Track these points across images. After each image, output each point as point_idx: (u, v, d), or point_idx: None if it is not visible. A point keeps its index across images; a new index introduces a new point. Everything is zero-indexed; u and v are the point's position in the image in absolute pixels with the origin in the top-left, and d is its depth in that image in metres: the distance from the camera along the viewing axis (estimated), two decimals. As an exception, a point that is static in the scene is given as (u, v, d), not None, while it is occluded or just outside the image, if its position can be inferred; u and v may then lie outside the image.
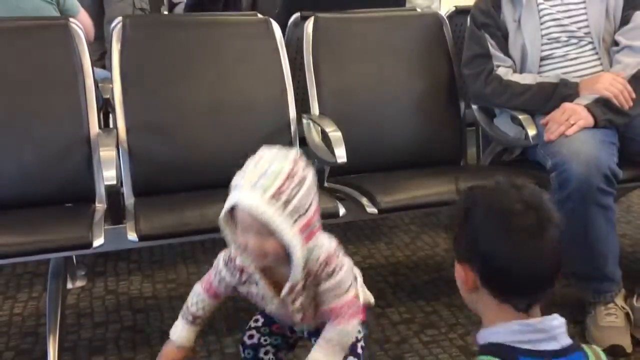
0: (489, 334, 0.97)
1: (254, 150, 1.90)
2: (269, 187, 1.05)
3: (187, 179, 1.91)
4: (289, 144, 2.00)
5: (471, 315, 1.93)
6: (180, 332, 1.31)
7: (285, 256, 1.12)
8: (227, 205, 1.09)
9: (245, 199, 1.05)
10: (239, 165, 1.10)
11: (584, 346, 0.99)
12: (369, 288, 2.10)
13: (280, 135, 2.01)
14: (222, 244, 1.24)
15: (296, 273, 1.13)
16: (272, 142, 2.02)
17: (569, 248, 1.73)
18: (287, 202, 1.06)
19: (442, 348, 1.78)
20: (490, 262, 0.95)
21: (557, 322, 0.96)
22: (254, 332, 1.40)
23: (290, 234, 1.07)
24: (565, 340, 0.95)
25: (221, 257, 1.26)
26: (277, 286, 1.20)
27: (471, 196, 1.00)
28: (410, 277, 2.19)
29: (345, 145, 1.79)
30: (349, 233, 2.53)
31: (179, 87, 1.98)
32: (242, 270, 1.21)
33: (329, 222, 1.87)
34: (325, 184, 1.95)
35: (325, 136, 1.93)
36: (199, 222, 1.59)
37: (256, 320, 1.41)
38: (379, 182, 1.86)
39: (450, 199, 1.82)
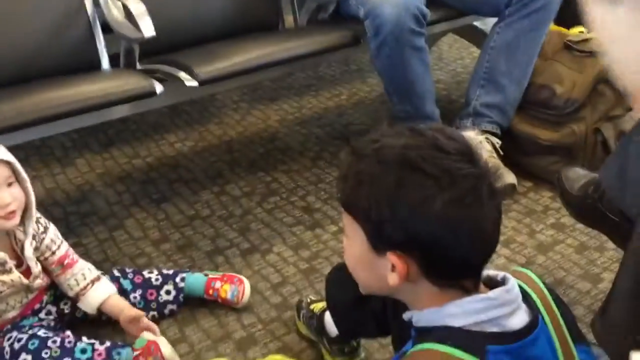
0: (438, 316, 0.76)
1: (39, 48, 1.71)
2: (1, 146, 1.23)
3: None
4: (89, 32, 1.79)
5: (310, 177, 1.97)
6: None
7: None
8: None
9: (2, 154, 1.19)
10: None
11: (520, 283, 0.81)
12: (205, 170, 2.07)
13: (74, 22, 1.78)
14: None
15: (33, 214, 1.26)
16: (65, 32, 1.83)
17: (390, 92, 1.82)
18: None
19: (286, 212, 1.80)
20: (438, 246, 0.73)
21: (516, 288, 0.78)
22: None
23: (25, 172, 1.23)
24: (524, 312, 0.77)
25: None
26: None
27: (390, 169, 0.74)
28: (246, 152, 2.16)
29: (154, 22, 1.62)
30: (177, 119, 2.41)
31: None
32: None
33: (149, 103, 1.76)
34: (138, 66, 1.80)
35: (129, 14, 1.74)
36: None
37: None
38: (196, 55, 1.74)
39: (273, 61, 1.78)
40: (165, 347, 1.26)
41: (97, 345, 1.26)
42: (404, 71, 1.72)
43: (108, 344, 1.27)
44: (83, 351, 1.24)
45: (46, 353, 1.23)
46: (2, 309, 1.27)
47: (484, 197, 0.73)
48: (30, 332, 1.26)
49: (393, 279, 0.76)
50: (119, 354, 1.25)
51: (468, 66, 2.62)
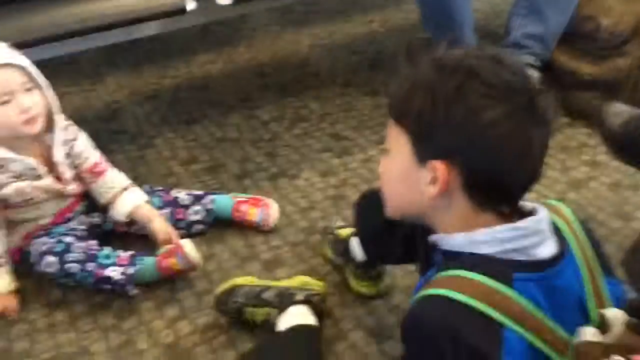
0: (466, 242, 0.76)
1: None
2: (14, 51, 1.19)
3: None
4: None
5: (340, 105, 1.94)
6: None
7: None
8: None
9: (13, 59, 1.16)
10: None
11: (551, 215, 0.80)
12: (234, 92, 2.05)
13: None
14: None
15: (60, 121, 1.27)
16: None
17: (427, 19, 1.76)
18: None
19: (315, 138, 1.79)
20: (484, 158, 0.73)
21: (546, 218, 0.77)
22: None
23: (46, 81, 1.22)
24: (552, 243, 0.77)
25: None
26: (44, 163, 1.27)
27: (448, 75, 0.73)
28: (276, 77, 2.12)
29: None
30: (206, 41, 2.37)
31: None
32: None
33: (179, 21, 1.73)
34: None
35: None
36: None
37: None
38: (228, -28, 1.69)
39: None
40: (189, 247, 1.27)
41: (120, 252, 1.29)
42: (443, -4, 1.65)
43: (132, 252, 1.30)
44: (107, 257, 1.27)
45: (70, 256, 1.26)
46: (36, 215, 1.29)
47: (537, 117, 0.73)
48: (58, 237, 1.29)
49: (432, 189, 0.76)
50: (142, 260, 1.28)
51: (508, -5, 2.51)
